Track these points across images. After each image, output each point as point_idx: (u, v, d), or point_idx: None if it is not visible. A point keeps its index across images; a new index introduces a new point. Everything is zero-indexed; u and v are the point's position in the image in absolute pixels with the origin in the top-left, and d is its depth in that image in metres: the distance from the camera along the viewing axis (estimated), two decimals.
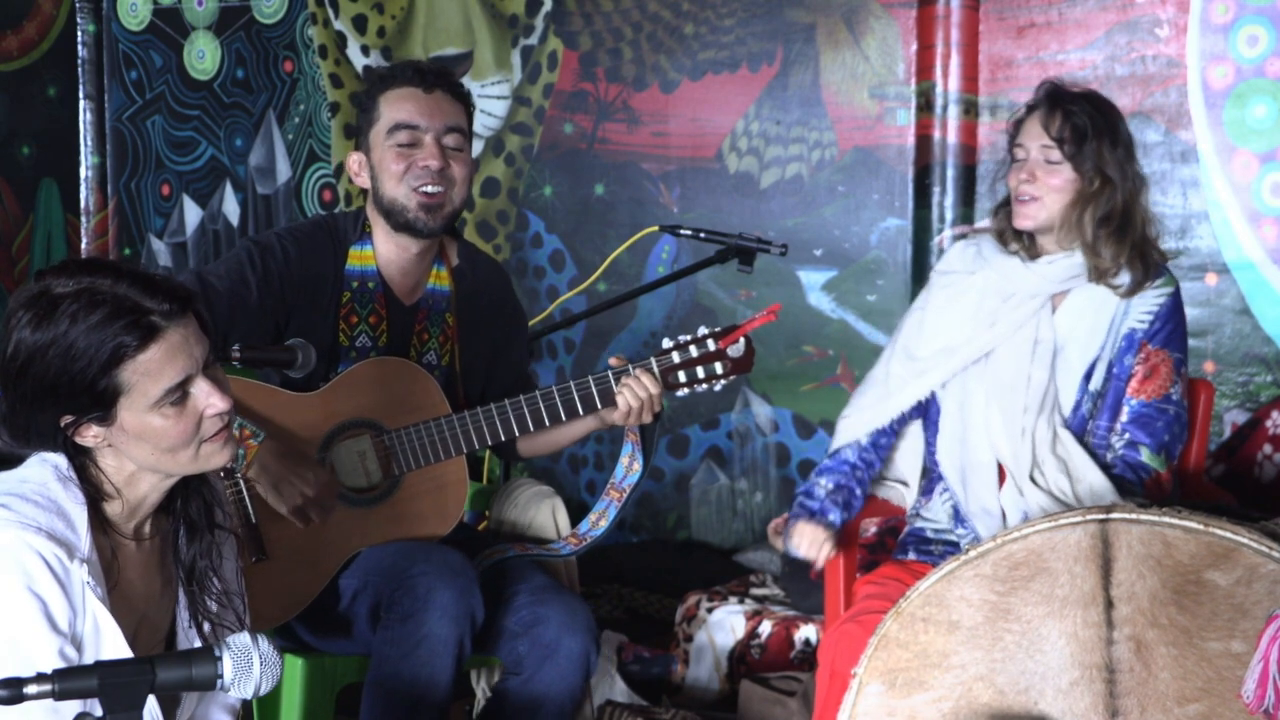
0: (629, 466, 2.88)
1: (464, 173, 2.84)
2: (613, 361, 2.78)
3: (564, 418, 2.76)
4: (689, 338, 2.77)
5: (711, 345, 2.76)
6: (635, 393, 2.73)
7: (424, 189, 2.78)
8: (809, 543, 2.81)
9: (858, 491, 2.90)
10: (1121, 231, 2.78)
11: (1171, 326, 2.81)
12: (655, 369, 2.75)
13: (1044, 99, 2.80)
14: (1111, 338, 2.80)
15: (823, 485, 2.90)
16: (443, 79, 2.85)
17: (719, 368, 2.77)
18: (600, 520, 2.90)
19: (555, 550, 2.91)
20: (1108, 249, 2.77)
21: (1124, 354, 2.80)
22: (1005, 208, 2.89)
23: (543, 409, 2.76)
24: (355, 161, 2.89)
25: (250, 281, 2.74)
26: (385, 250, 2.86)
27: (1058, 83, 2.85)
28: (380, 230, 2.86)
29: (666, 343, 2.78)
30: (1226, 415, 3.74)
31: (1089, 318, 2.80)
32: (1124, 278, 2.79)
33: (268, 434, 2.64)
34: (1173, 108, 3.80)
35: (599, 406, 2.76)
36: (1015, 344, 2.82)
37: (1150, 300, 2.80)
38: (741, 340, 2.77)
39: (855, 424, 2.95)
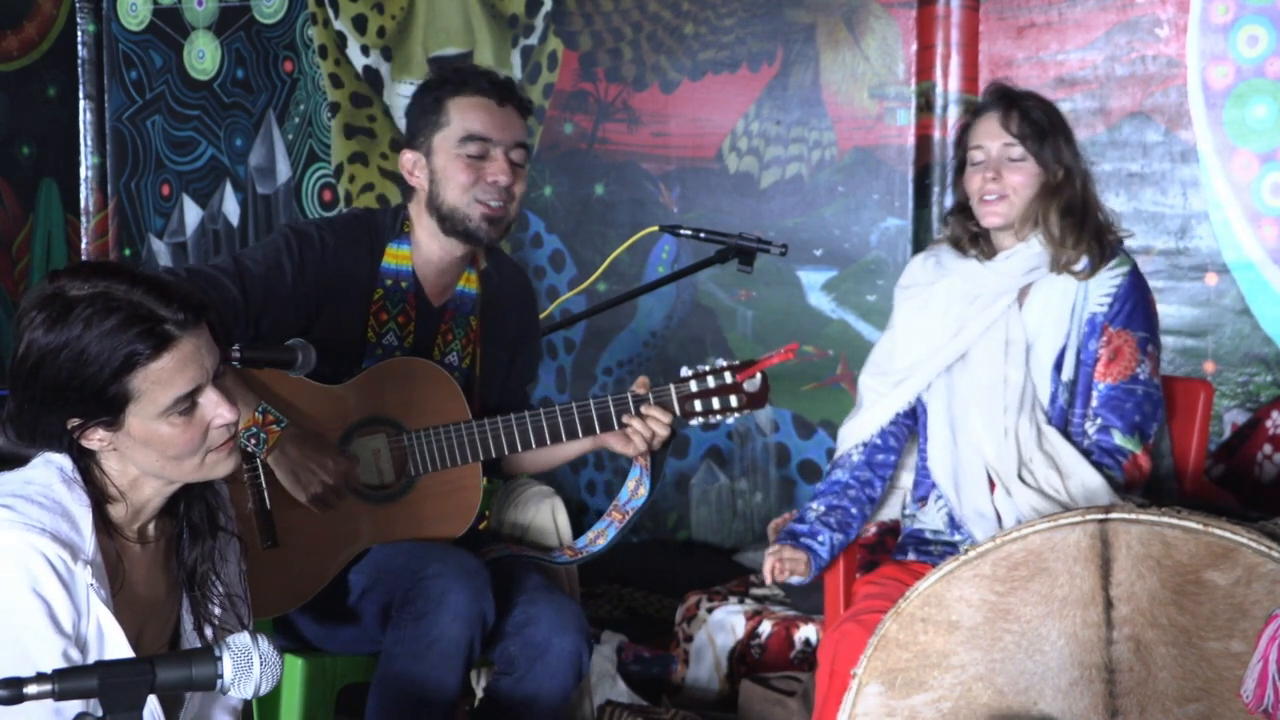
0: (634, 490, 2.88)
1: (523, 188, 2.84)
2: (637, 389, 2.78)
3: (580, 434, 2.77)
4: (707, 368, 2.79)
5: (729, 378, 2.78)
6: (648, 425, 2.75)
7: (490, 203, 2.77)
8: (767, 563, 2.83)
9: (853, 510, 2.91)
10: (1083, 222, 2.82)
11: (1130, 305, 2.82)
12: (675, 398, 2.76)
13: (997, 99, 2.84)
14: (1075, 325, 2.82)
15: (814, 509, 2.92)
16: (514, 93, 2.83)
17: (734, 401, 2.78)
18: (599, 539, 2.92)
19: (551, 559, 2.92)
20: (1070, 237, 2.80)
21: (1088, 339, 2.82)
22: (958, 214, 2.92)
23: (560, 424, 2.76)
24: (410, 160, 2.84)
25: (286, 269, 2.73)
26: (427, 250, 2.84)
27: (1004, 83, 2.90)
28: (424, 231, 2.84)
29: (685, 371, 2.79)
30: (1226, 415, 3.74)
31: (1053, 308, 2.83)
32: (1083, 262, 2.82)
33: (291, 421, 2.65)
34: (1173, 108, 3.80)
35: (616, 426, 2.77)
36: (988, 347, 2.83)
37: (1106, 283, 2.82)
38: (758, 376, 2.79)
39: (842, 440, 2.99)
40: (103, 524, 1.96)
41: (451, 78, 2.83)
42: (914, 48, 4.13)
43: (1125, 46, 3.85)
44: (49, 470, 1.96)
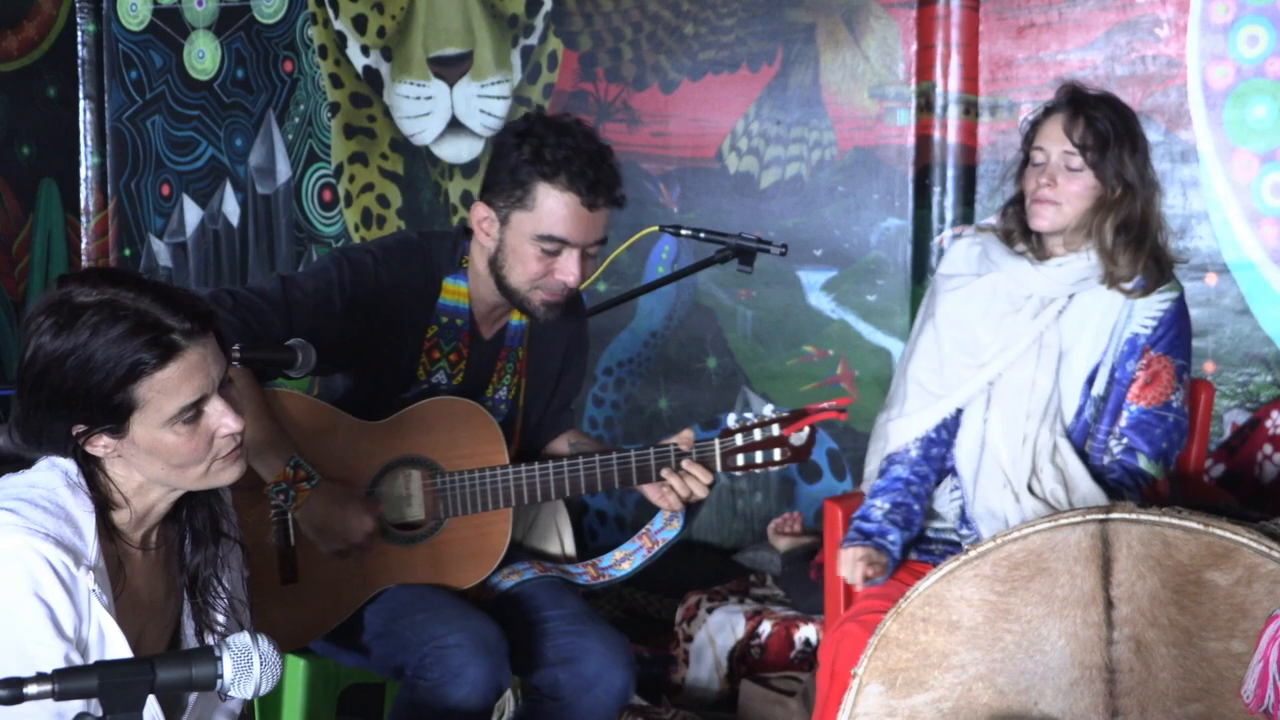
0: (669, 521, 2.86)
1: (592, 267, 2.72)
2: (681, 444, 2.73)
3: (617, 486, 2.74)
4: (754, 419, 2.75)
5: (776, 430, 2.75)
6: (686, 485, 2.71)
7: (553, 292, 2.68)
8: (848, 565, 2.76)
9: (916, 507, 2.85)
10: (1140, 240, 2.76)
11: (1175, 333, 2.79)
12: (718, 455, 2.73)
13: (1066, 102, 2.78)
14: (1114, 342, 2.79)
15: (878, 507, 2.84)
16: (608, 193, 2.64)
17: (778, 454, 2.76)
18: (625, 562, 2.89)
19: (572, 576, 2.88)
20: (1124, 256, 2.76)
21: (1126, 359, 2.79)
22: (1015, 206, 2.86)
23: (598, 475, 2.72)
24: (482, 215, 2.68)
25: (335, 302, 2.63)
26: (484, 289, 2.74)
27: (1078, 85, 2.82)
28: (480, 275, 2.74)
29: (732, 421, 2.76)
30: (1226, 415, 3.74)
31: (1094, 322, 2.79)
32: (1136, 281, 2.78)
33: (324, 479, 2.59)
34: (1173, 108, 3.80)
35: (654, 479, 2.73)
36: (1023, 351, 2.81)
37: (1154, 305, 2.79)
38: (806, 429, 2.75)
39: (890, 436, 2.93)
40: (105, 529, 1.96)
41: (550, 154, 2.61)
42: (914, 48, 4.13)
43: (1125, 46, 3.85)
44: (53, 474, 1.96)
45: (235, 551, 2.15)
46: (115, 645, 1.91)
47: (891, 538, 2.80)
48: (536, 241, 2.63)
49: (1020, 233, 2.85)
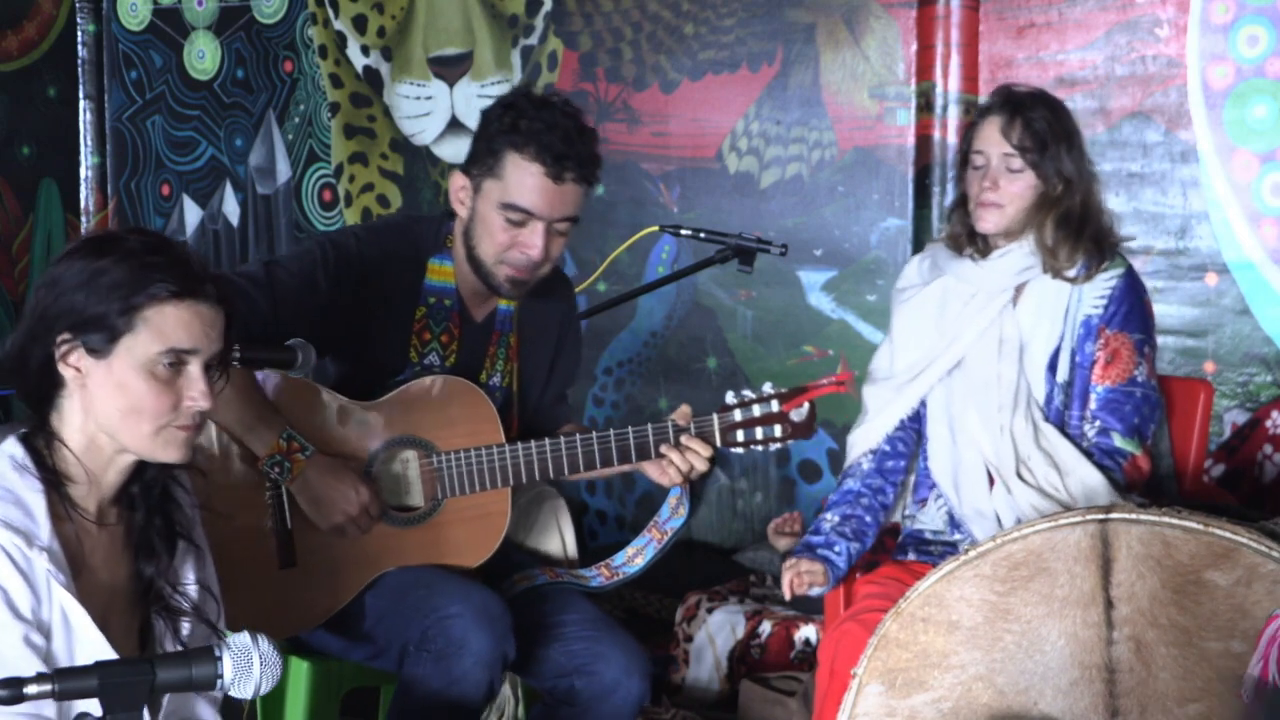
0: (675, 509, 2.85)
1: (561, 247, 2.71)
2: (679, 419, 2.73)
3: (616, 463, 2.73)
4: (753, 395, 2.74)
5: (775, 406, 2.74)
6: (686, 459, 2.70)
7: (517, 267, 2.67)
8: (786, 576, 2.81)
9: (867, 518, 2.90)
10: (1079, 232, 2.80)
11: (1126, 308, 2.81)
12: (717, 429, 2.72)
13: (1001, 105, 2.82)
14: (1069, 326, 2.82)
15: (829, 520, 2.90)
16: (578, 168, 2.65)
17: (778, 430, 2.74)
18: (637, 557, 2.88)
19: (585, 579, 2.87)
20: (1064, 248, 2.80)
21: (1084, 342, 2.82)
22: (961, 208, 2.90)
23: (596, 452, 2.71)
24: (459, 185, 2.71)
25: (320, 283, 2.64)
26: (467, 268, 2.75)
27: (1011, 86, 2.87)
28: (464, 253, 2.75)
29: (730, 398, 2.75)
30: (1226, 415, 3.74)
31: (1047, 308, 2.82)
32: (1077, 268, 2.82)
33: (317, 450, 2.60)
34: (1173, 108, 3.79)
35: (653, 456, 2.72)
36: (983, 345, 2.84)
37: (1101, 285, 2.82)
38: (806, 405, 2.75)
39: (850, 448, 2.98)
40: (60, 507, 1.97)
41: (524, 125, 2.63)
42: (914, 48, 4.13)
43: (1125, 46, 3.85)
44: (0, 460, 1.96)
45: (192, 554, 2.13)
46: (80, 625, 1.92)
47: (837, 549, 2.85)
48: (502, 210, 2.65)
49: (967, 236, 2.89)
